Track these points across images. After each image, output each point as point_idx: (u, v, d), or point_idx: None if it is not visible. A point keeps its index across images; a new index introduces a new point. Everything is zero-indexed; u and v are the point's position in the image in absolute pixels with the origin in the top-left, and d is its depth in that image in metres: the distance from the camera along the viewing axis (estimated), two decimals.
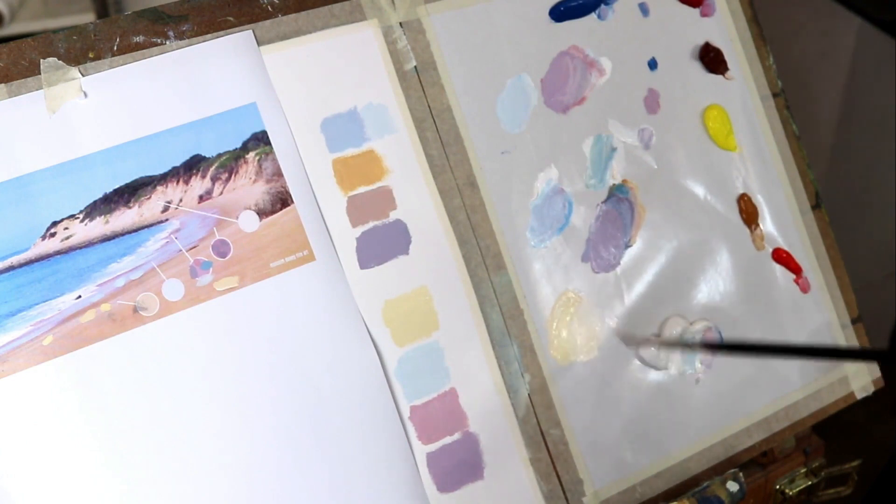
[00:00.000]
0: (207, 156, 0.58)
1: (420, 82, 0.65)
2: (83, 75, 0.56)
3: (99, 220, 0.56)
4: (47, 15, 1.18)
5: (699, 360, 0.72)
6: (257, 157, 0.59)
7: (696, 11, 0.74)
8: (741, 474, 0.71)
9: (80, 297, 0.55)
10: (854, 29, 1.19)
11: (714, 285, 0.73)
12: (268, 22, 0.61)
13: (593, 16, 0.70)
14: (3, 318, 0.54)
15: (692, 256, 0.72)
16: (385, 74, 0.64)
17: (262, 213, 0.59)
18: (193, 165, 0.58)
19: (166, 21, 0.58)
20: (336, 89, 0.62)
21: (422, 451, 0.62)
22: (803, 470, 0.76)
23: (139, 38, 0.57)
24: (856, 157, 1.29)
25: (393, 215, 0.63)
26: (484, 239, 0.66)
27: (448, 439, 0.63)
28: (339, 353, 0.60)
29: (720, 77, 0.75)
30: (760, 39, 0.76)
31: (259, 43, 0.60)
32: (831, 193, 1.01)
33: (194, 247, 0.58)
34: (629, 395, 0.69)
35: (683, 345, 0.69)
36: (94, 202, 0.56)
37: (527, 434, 0.65)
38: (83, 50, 0.56)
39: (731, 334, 0.73)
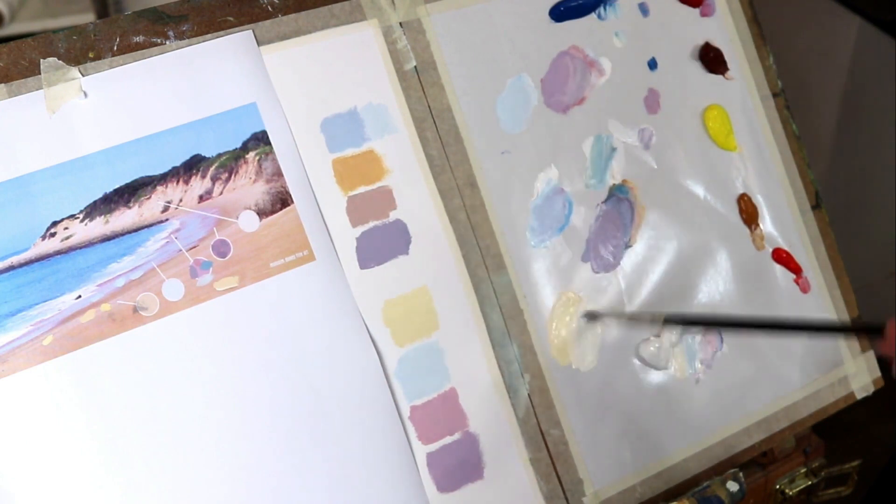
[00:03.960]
0: (207, 156, 0.58)
1: (420, 82, 0.65)
2: (83, 75, 0.56)
3: (99, 220, 0.56)
4: (47, 15, 1.18)
5: (699, 359, 0.72)
6: (257, 157, 0.59)
7: (696, 11, 0.74)
8: (741, 474, 0.71)
9: (80, 297, 0.55)
10: (854, 29, 1.19)
11: (714, 285, 0.73)
12: (268, 22, 0.61)
13: (593, 16, 0.70)
14: (3, 318, 0.54)
15: (692, 256, 0.72)
16: (385, 74, 0.64)
17: (262, 213, 0.59)
18: (193, 165, 0.58)
19: (166, 21, 0.58)
20: (336, 89, 0.62)
21: (422, 451, 0.62)
22: (803, 470, 0.76)
23: (139, 38, 0.57)
24: (856, 157, 1.29)
25: (393, 215, 0.63)
26: (484, 239, 0.66)
27: (448, 439, 0.63)
28: (339, 353, 0.60)
29: (720, 77, 0.75)
30: (760, 39, 0.76)
31: (259, 43, 0.60)
32: (831, 193, 1.01)
33: (194, 247, 0.58)
34: (629, 395, 0.69)
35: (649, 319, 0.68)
36: (94, 202, 0.56)
37: (527, 434, 0.65)
38: (83, 50, 0.56)
39: (731, 334, 0.73)
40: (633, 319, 0.69)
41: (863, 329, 0.73)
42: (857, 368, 0.77)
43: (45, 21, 1.17)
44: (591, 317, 0.68)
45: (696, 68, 0.74)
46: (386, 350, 0.62)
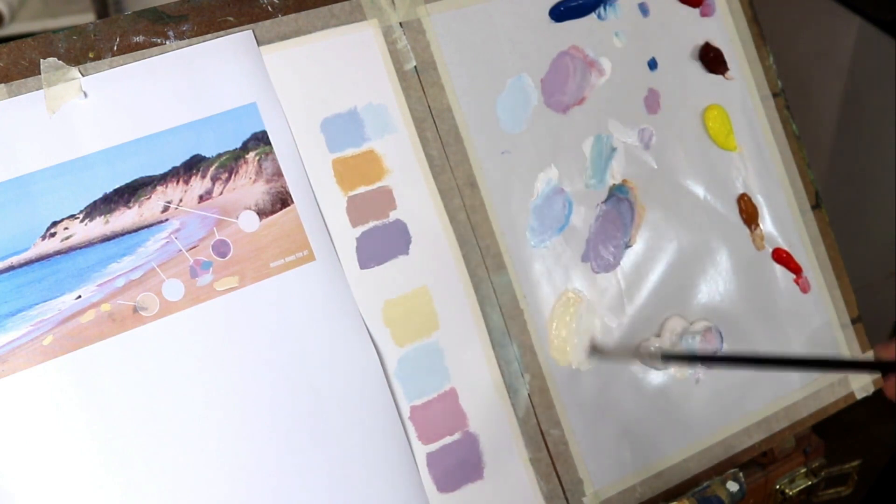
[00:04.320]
0: (207, 156, 0.58)
1: (420, 82, 0.65)
2: (83, 75, 0.56)
3: (99, 220, 0.56)
4: (47, 15, 1.18)
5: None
6: (257, 157, 0.59)
7: (696, 11, 0.74)
8: (741, 474, 0.71)
9: (80, 297, 0.55)
10: (854, 29, 1.19)
11: (714, 285, 0.73)
12: (268, 22, 0.61)
13: (593, 16, 0.70)
14: (3, 318, 0.54)
15: (692, 256, 0.72)
16: (385, 74, 0.64)
17: (262, 213, 0.59)
18: (193, 165, 0.58)
19: (166, 21, 0.58)
20: (336, 89, 0.62)
21: (422, 451, 0.62)
22: (803, 470, 0.76)
23: (139, 38, 0.57)
24: (856, 157, 1.29)
25: (393, 215, 0.63)
26: (484, 239, 0.66)
27: (448, 439, 0.63)
28: (339, 353, 0.60)
29: (720, 77, 0.75)
30: (760, 39, 0.76)
31: (259, 43, 0.60)
32: (831, 193, 1.01)
33: (194, 247, 0.58)
34: (629, 395, 0.69)
35: (669, 357, 0.68)
36: (94, 202, 0.56)
37: (527, 434, 0.65)
38: (83, 50, 0.56)
39: (731, 334, 0.73)
40: (633, 355, 0.69)
41: (868, 366, 0.73)
42: None
43: (45, 21, 1.17)
44: (595, 350, 0.68)
45: (696, 68, 0.74)
46: (386, 350, 0.62)
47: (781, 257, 0.75)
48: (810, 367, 0.72)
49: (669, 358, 0.68)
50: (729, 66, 0.75)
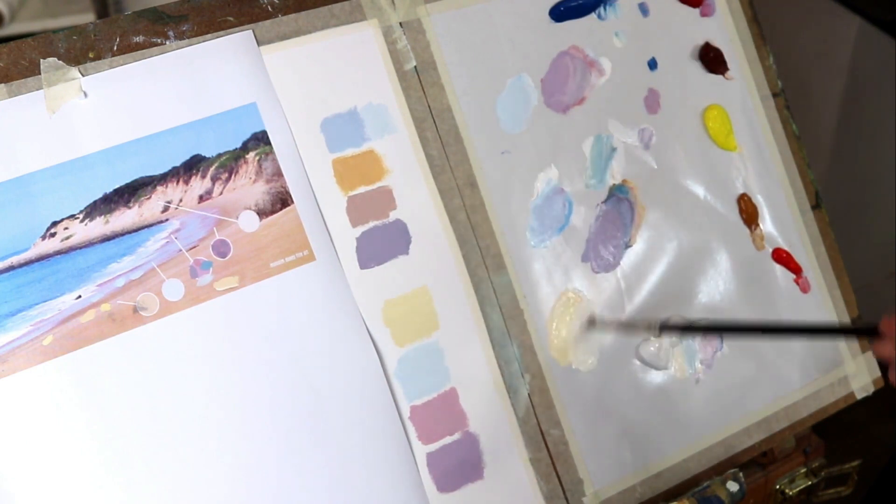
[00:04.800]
0: (207, 156, 0.58)
1: (420, 82, 0.65)
2: (83, 75, 0.56)
3: (99, 220, 0.56)
4: (47, 15, 1.18)
5: (699, 360, 0.72)
6: (257, 157, 0.59)
7: (696, 11, 0.74)
8: (741, 474, 0.71)
9: (80, 297, 0.55)
10: (854, 29, 1.19)
11: (714, 285, 0.73)
12: (268, 22, 0.61)
13: (593, 16, 0.70)
14: (3, 318, 0.54)
15: (692, 256, 0.72)
16: (385, 74, 0.64)
17: (262, 213, 0.59)
18: (193, 165, 0.58)
19: (166, 21, 0.58)
20: (336, 89, 0.62)
21: (422, 451, 0.62)
22: (803, 470, 0.76)
23: (139, 38, 0.57)
24: (856, 157, 1.29)
25: (393, 215, 0.63)
26: (484, 239, 0.66)
27: (448, 439, 0.63)
28: (339, 353, 0.60)
29: (720, 77, 0.75)
30: (760, 39, 0.76)
31: (259, 43, 0.60)
32: (831, 193, 1.01)
33: (194, 247, 0.58)
34: (629, 395, 0.69)
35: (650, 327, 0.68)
36: (94, 202, 0.56)
37: (527, 434, 0.65)
38: (83, 50, 0.56)
39: (728, 338, 0.73)
40: (630, 327, 0.69)
41: (858, 331, 0.73)
42: (857, 368, 0.77)
43: (45, 21, 1.17)
44: (590, 323, 0.68)
45: (696, 68, 0.74)
46: (386, 350, 0.62)
47: (781, 257, 0.75)
48: (806, 334, 0.72)
49: (666, 328, 0.67)
50: (729, 66, 0.75)
